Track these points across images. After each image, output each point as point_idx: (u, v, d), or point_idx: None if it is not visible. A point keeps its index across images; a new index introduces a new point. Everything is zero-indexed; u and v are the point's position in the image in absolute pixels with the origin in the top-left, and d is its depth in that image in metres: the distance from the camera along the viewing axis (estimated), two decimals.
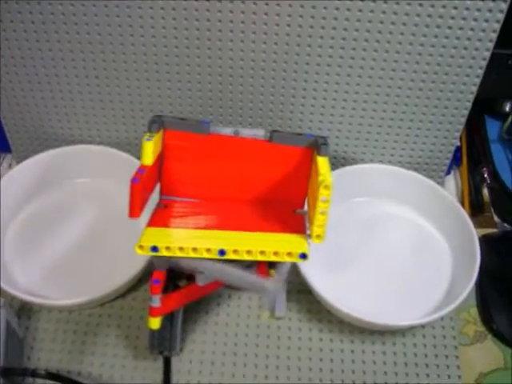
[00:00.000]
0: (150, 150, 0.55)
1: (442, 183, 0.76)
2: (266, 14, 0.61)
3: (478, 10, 0.59)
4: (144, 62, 0.66)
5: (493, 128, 0.82)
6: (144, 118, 0.71)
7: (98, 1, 0.61)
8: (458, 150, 0.79)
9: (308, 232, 0.55)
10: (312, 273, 0.63)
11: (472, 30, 0.61)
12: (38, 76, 0.69)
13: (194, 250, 0.51)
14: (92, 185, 0.75)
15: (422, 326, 0.65)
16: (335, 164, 0.75)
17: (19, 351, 0.62)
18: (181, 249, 0.51)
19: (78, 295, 0.61)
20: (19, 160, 0.75)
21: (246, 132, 0.60)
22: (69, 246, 0.69)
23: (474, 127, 0.82)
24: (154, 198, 0.60)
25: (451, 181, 0.80)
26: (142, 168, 0.55)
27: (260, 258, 0.52)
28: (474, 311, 0.68)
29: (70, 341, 0.63)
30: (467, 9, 0.59)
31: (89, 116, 0.72)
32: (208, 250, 0.51)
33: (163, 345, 0.59)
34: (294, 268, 0.62)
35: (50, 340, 0.63)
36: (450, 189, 0.79)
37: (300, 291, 0.67)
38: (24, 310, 0.65)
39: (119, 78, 0.68)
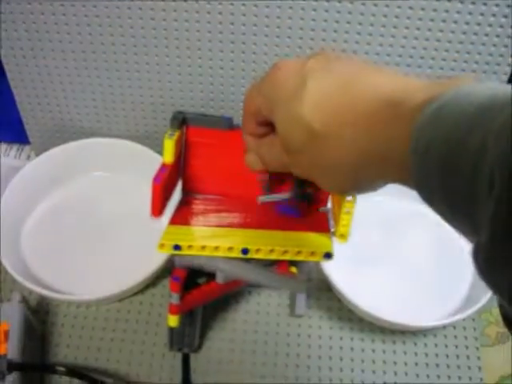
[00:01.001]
0: (171, 148, 0.54)
1: None
2: (278, 6, 0.60)
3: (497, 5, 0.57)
4: (165, 55, 0.65)
5: None
6: (164, 111, 0.70)
7: None
8: None
9: (332, 230, 0.55)
10: (333, 270, 0.62)
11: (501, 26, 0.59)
12: (57, 68, 0.68)
13: (216, 248, 0.51)
14: (111, 178, 0.74)
15: (444, 327, 0.64)
16: None
17: (38, 346, 0.62)
18: (203, 247, 0.51)
19: (98, 290, 0.61)
20: (38, 152, 0.74)
21: None
22: (87, 240, 0.68)
23: None
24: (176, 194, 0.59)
25: None
26: (163, 167, 0.54)
27: (283, 257, 0.51)
28: (496, 311, 0.67)
29: (87, 336, 0.63)
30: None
31: (108, 109, 0.72)
32: (230, 249, 0.51)
33: (182, 341, 0.59)
34: (315, 265, 0.61)
35: (67, 335, 0.63)
36: None
37: (320, 288, 0.66)
38: (42, 305, 0.65)
39: (140, 71, 0.67)
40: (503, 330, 0.66)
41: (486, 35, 0.60)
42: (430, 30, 0.60)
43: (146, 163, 0.65)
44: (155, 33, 0.63)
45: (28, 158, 0.78)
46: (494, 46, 0.60)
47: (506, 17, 0.58)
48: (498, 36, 0.59)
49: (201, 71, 0.66)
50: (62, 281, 0.65)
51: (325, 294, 0.66)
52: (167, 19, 0.62)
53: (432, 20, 0.59)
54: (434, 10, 0.59)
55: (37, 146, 0.77)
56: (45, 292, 0.61)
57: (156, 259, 0.62)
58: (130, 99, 0.70)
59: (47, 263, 0.66)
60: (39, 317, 0.64)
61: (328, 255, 0.51)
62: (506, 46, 0.60)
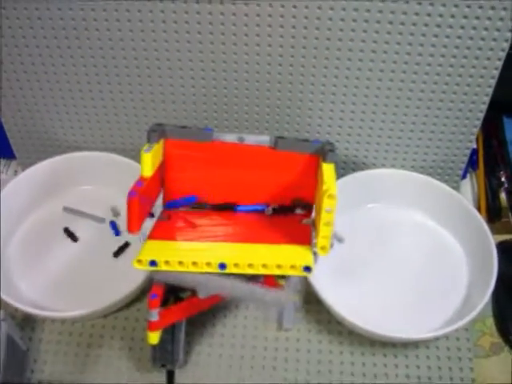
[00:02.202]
0: (148, 162, 0.54)
1: (457, 188, 0.73)
2: (269, 15, 0.59)
3: (492, 8, 0.56)
4: (146, 67, 0.65)
5: (511, 129, 0.79)
6: (148, 123, 0.70)
7: (98, 2, 0.60)
8: (474, 152, 0.77)
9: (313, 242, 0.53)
10: (322, 282, 0.61)
11: (486, 29, 0.58)
12: (39, 82, 0.68)
13: (194, 263, 0.50)
14: (96, 192, 0.74)
15: (436, 338, 0.63)
16: (346, 169, 0.72)
17: (22, 364, 0.61)
18: (180, 263, 0.50)
19: (82, 306, 0.60)
20: (24, 167, 0.74)
21: (251, 138, 0.58)
22: (72, 256, 0.68)
23: (491, 128, 0.79)
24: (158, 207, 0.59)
25: (467, 185, 0.77)
26: (140, 180, 0.53)
27: (262, 271, 0.50)
28: (490, 322, 0.65)
29: (73, 353, 0.62)
30: (481, 7, 0.56)
31: (92, 122, 0.71)
32: (208, 264, 0.50)
33: (165, 358, 0.58)
34: (304, 277, 0.60)
35: (53, 352, 0.62)
36: (466, 194, 0.76)
37: (309, 301, 0.65)
38: (27, 321, 0.64)
39: (121, 83, 0.67)
40: (497, 340, 0.64)
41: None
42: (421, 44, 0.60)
43: (133, 176, 0.64)
44: (134, 44, 0.63)
45: (15, 173, 0.77)
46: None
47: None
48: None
49: (182, 82, 0.66)
50: (47, 297, 0.64)
51: (314, 306, 0.64)
52: (145, 30, 0.61)
53: (424, 35, 0.59)
54: (426, 25, 0.58)
55: (23, 161, 0.76)
56: (29, 309, 0.60)
57: (140, 273, 0.61)
58: (112, 111, 0.70)
59: (32, 279, 0.65)
60: (25, 333, 0.63)
61: (307, 269, 0.50)
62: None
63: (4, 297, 0.59)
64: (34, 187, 0.71)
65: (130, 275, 0.60)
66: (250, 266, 0.50)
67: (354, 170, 0.71)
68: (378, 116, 0.67)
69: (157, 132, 0.55)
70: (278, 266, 0.50)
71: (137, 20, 0.61)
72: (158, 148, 0.56)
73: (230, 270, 0.50)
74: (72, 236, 0.69)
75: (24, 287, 0.65)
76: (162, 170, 0.58)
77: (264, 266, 0.50)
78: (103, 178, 0.73)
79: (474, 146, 0.76)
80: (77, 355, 0.62)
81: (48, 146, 0.74)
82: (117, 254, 0.67)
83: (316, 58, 0.62)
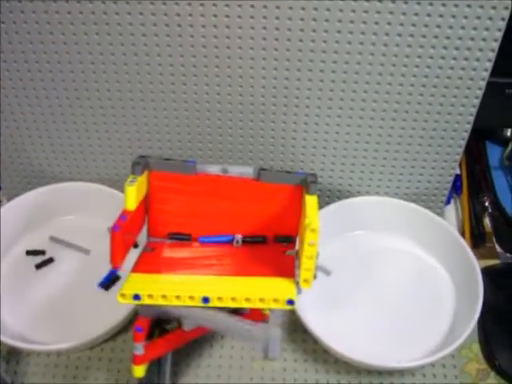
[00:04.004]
0: (132, 195, 0.54)
1: (441, 214, 0.74)
2: (251, 48, 0.60)
3: (472, 39, 0.57)
4: (130, 99, 0.65)
5: (494, 154, 0.80)
6: (133, 154, 0.70)
7: (79, 36, 0.60)
8: (458, 178, 0.77)
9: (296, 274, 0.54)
10: (307, 311, 0.61)
11: (466, 59, 0.59)
12: (23, 114, 0.68)
13: (177, 297, 0.50)
14: (81, 222, 0.74)
15: (422, 366, 0.63)
16: (331, 197, 0.73)
17: None
18: (163, 296, 0.50)
19: (67, 339, 0.60)
20: (9, 197, 0.74)
21: (234, 170, 0.58)
22: (57, 288, 0.67)
23: (474, 153, 0.80)
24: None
25: (451, 211, 0.78)
26: (124, 214, 0.53)
27: (245, 304, 0.50)
28: (476, 347, 0.65)
29: None
30: (460, 38, 0.57)
31: (76, 153, 0.71)
32: (191, 298, 0.50)
33: None
34: None
35: None
36: (451, 219, 0.77)
37: (295, 330, 0.65)
38: (12, 354, 0.64)
39: (105, 115, 0.67)
40: (484, 366, 0.64)
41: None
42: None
43: (118, 206, 0.64)
44: (117, 77, 0.63)
45: (0, 203, 0.77)
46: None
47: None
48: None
49: (166, 114, 0.66)
50: (31, 330, 0.63)
51: (299, 335, 0.64)
52: (129, 63, 0.62)
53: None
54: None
55: (8, 192, 0.76)
56: (14, 343, 0.59)
57: (126, 305, 0.61)
58: (97, 143, 0.70)
59: (17, 311, 0.65)
60: (9, 367, 0.63)
61: (290, 302, 0.50)
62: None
63: None
64: (19, 218, 0.71)
65: (115, 306, 0.60)
66: (233, 299, 0.50)
67: (338, 198, 0.71)
68: (361, 145, 0.67)
69: (141, 164, 0.55)
70: (261, 300, 0.50)
71: (120, 53, 0.61)
72: (142, 180, 0.56)
73: (214, 303, 0.50)
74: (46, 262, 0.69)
75: (8, 319, 0.64)
76: (146, 202, 0.58)
77: (247, 299, 0.50)
78: (88, 209, 0.73)
79: (458, 172, 0.77)
80: None
81: (33, 177, 0.75)
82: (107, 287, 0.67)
83: (299, 89, 0.62)
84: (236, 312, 0.54)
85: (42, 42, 0.61)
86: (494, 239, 0.75)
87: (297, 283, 0.52)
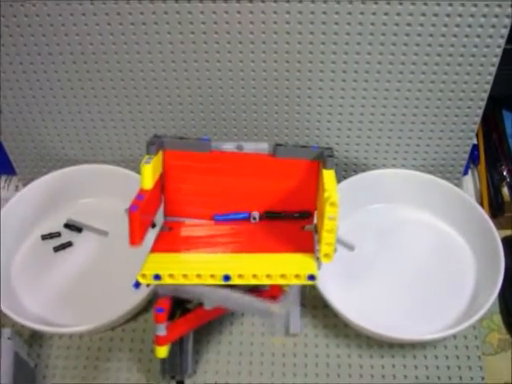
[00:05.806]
0: (149, 174, 0.54)
1: (459, 184, 0.73)
2: (263, 22, 0.59)
3: (487, 5, 0.56)
4: (142, 79, 0.65)
5: (511, 122, 0.79)
6: (147, 134, 0.70)
7: (92, 16, 0.60)
8: (475, 148, 0.76)
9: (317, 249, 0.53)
10: (328, 286, 0.61)
11: (481, 26, 0.58)
12: (35, 98, 0.68)
13: (198, 276, 0.50)
14: (99, 204, 0.74)
15: (444, 338, 0.62)
16: (347, 171, 0.72)
17: (31, 381, 0.61)
18: (184, 276, 0.50)
19: (88, 321, 0.60)
20: (25, 182, 0.74)
21: (249, 146, 0.58)
22: (76, 270, 0.68)
23: (491, 123, 0.79)
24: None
25: (469, 181, 0.77)
26: (141, 193, 0.53)
27: (266, 281, 0.50)
28: (498, 318, 0.65)
29: (82, 366, 0.62)
30: (475, 5, 0.56)
31: (90, 135, 0.71)
32: (212, 276, 0.50)
33: (174, 369, 0.58)
34: None
35: (62, 367, 0.62)
36: (469, 189, 0.76)
37: (315, 306, 0.65)
38: (35, 338, 0.64)
39: (118, 96, 0.67)
40: (505, 336, 0.64)
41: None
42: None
43: (133, 187, 0.64)
44: (129, 57, 0.63)
45: (16, 188, 0.77)
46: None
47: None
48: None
49: (179, 92, 0.66)
50: (53, 312, 0.64)
51: (320, 311, 0.65)
52: (140, 43, 0.61)
53: (419, 35, 0.59)
54: (421, 25, 0.58)
55: (24, 177, 0.76)
56: (36, 326, 0.60)
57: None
58: (111, 124, 0.69)
59: (38, 295, 0.65)
60: (32, 350, 0.63)
61: (312, 277, 0.50)
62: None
63: (10, 314, 0.59)
64: (36, 202, 0.71)
65: None
66: (255, 276, 0.49)
67: (355, 172, 0.71)
68: (376, 117, 0.66)
69: (155, 144, 0.55)
70: (282, 276, 0.50)
71: (131, 33, 0.61)
72: (157, 159, 0.55)
73: (235, 281, 0.50)
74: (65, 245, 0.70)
75: (30, 303, 0.65)
76: (161, 181, 0.58)
77: (268, 276, 0.50)
78: (104, 191, 0.73)
79: (475, 142, 0.76)
80: (86, 369, 0.62)
81: (47, 161, 0.74)
82: None
83: (312, 62, 0.62)
84: (255, 289, 0.55)
85: (52, 25, 0.61)
86: None
87: (317, 258, 0.52)
